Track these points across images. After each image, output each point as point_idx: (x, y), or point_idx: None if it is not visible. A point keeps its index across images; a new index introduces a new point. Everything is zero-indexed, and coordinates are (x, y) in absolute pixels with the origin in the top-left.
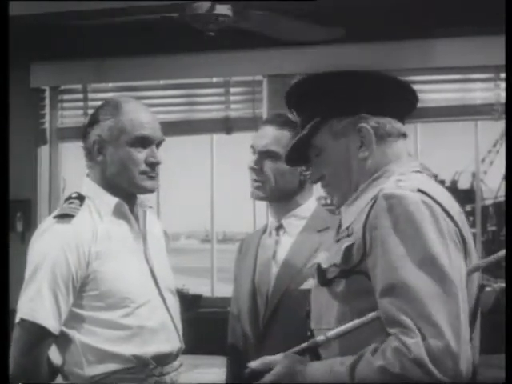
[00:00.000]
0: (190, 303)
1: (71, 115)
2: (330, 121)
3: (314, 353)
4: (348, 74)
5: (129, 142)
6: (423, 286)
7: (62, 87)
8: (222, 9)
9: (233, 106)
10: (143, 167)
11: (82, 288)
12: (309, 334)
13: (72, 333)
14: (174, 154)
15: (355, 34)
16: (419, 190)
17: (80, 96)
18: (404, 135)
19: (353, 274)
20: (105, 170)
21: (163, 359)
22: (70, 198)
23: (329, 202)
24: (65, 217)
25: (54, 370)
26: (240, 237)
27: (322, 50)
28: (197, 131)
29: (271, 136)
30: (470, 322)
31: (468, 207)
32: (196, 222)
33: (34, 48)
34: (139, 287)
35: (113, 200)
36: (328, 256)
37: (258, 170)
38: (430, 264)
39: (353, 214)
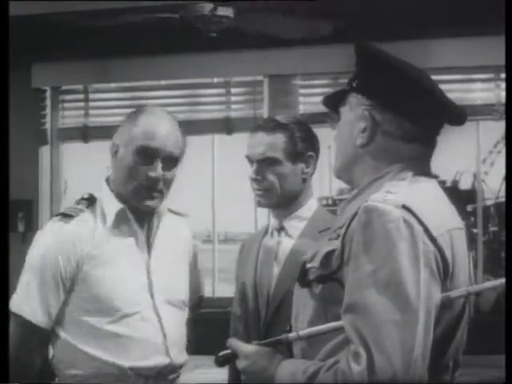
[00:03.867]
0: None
1: (72, 115)
2: (357, 93)
3: (287, 347)
4: (412, 70)
5: (135, 151)
6: (382, 310)
7: (63, 87)
8: (224, 10)
9: (234, 106)
10: (143, 181)
11: (72, 287)
12: (288, 328)
13: (58, 329)
14: None
15: (355, 34)
16: (404, 207)
17: (81, 96)
18: (423, 142)
19: (329, 280)
20: (115, 174)
21: (144, 372)
22: (81, 198)
23: (330, 202)
24: (65, 217)
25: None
26: (241, 237)
27: (322, 49)
28: (198, 132)
29: (265, 142)
30: (447, 342)
31: (469, 208)
32: (197, 223)
33: (35, 48)
34: (129, 297)
35: (117, 206)
36: (314, 255)
37: (260, 179)
38: (394, 290)
39: (347, 214)
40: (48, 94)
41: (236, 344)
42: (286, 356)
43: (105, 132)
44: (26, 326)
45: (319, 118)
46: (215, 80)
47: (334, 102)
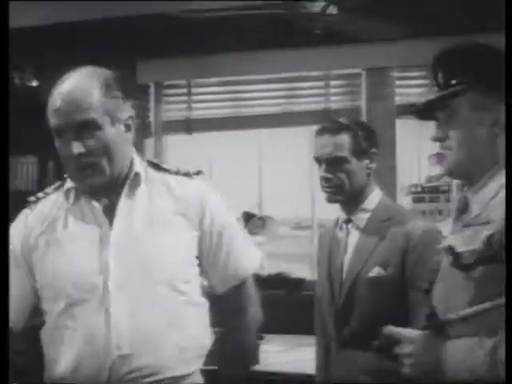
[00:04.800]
0: (292, 287)
1: (175, 109)
2: (473, 91)
3: (439, 329)
4: None
5: (53, 137)
6: None
7: (166, 83)
8: (331, 9)
9: (333, 98)
10: (68, 163)
11: (31, 273)
12: (428, 311)
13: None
14: (273, 145)
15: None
16: None
17: (184, 91)
18: None
19: (492, 261)
20: None
21: (83, 371)
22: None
23: (419, 189)
24: (32, 202)
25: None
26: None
27: (416, 43)
28: (297, 123)
29: (332, 143)
30: None
31: None
32: (288, 210)
33: (140, 46)
34: (76, 281)
35: (69, 184)
36: (460, 240)
37: (330, 177)
38: None
39: (481, 201)
40: (152, 89)
41: (396, 330)
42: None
43: (208, 124)
44: None
45: (416, 109)
46: (314, 73)
47: (431, 108)
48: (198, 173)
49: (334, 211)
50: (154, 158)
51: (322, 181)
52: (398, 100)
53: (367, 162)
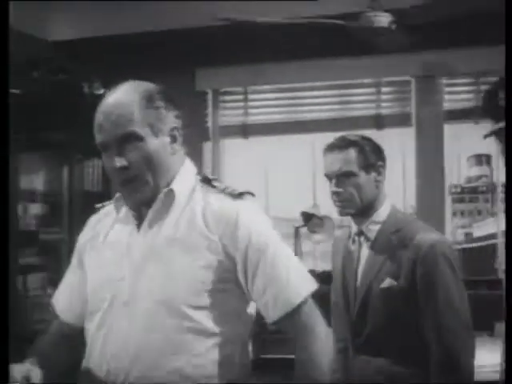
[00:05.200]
0: (320, 280)
1: (232, 114)
2: None
3: None
4: None
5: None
6: None
7: (223, 89)
8: (393, 24)
9: (383, 104)
10: (112, 177)
11: (82, 276)
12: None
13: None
14: None
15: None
16: None
17: (240, 97)
18: None
19: None
20: None
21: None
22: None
23: (459, 190)
24: (99, 207)
25: None
26: None
27: (464, 51)
28: (350, 128)
29: (341, 159)
30: None
31: None
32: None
33: (198, 55)
34: (98, 291)
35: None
36: None
37: (341, 192)
38: None
39: None
40: (209, 95)
41: None
42: None
43: (263, 129)
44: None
45: (463, 115)
46: (366, 80)
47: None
48: (246, 194)
49: None
50: (211, 160)
51: (332, 196)
52: (447, 106)
53: (375, 174)
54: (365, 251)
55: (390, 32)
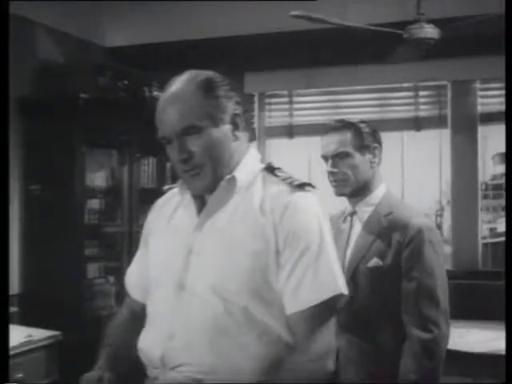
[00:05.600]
0: None
1: (278, 116)
2: None
3: None
4: None
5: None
6: None
7: (269, 92)
8: (435, 34)
9: (421, 106)
10: (176, 166)
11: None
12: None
13: None
14: None
15: None
16: None
17: (285, 100)
18: None
19: None
20: None
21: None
22: None
23: (483, 187)
24: (165, 190)
25: None
26: None
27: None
28: (390, 129)
29: (336, 140)
30: None
31: None
32: None
33: (247, 60)
34: (159, 273)
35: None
36: None
37: (336, 172)
38: None
39: None
40: (256, 98)
41: None
42: None
43: (308, 129)
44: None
45: (496, 117)
46: (405, 85)
47: None
48: (307, 186)
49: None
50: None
51: (328, 176)
52: (480, 109)
53: (370, 156)
54: (356, 231)
55: (434, 42)
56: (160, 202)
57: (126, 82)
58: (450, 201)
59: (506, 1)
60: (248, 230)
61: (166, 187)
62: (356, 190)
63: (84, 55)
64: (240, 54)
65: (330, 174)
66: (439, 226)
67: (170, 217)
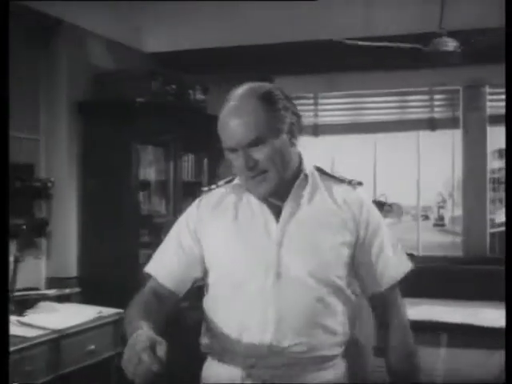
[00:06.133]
0: None
1: (304, 116)
2: None
3: None
4: None
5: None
6: None
7: (295, 94)
8: (457, 48)
9: (436, 109)
10: (239, 173)
11: (200, 250)
12: None
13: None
14: (386, 147)
15: None
16: None
17: (311, 101)
18: None
19: None
20: None
21: (246, 340)
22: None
23: None
24: (205, 191)
25: None
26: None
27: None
28: (406, 129)
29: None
30: None
31: None
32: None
33: (277, 65)
34: (244, 266)
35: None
36: None
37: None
38: None
39: None
40: None
41: None
42: None
43: (332, 129)
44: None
45: (504, 119)
46: (421, 89)
47: None
48: (360, 184)
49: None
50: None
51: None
52: (489, 111)
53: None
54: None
55: (454, 54)
56: (210, 201)
57: (173, 86)
58: (451, 194)
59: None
60: (330, 223)
61: (205, 189)
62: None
63: (129, 61)
64: (271, 60)
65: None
66: (441, 217)
67: (233, 216)
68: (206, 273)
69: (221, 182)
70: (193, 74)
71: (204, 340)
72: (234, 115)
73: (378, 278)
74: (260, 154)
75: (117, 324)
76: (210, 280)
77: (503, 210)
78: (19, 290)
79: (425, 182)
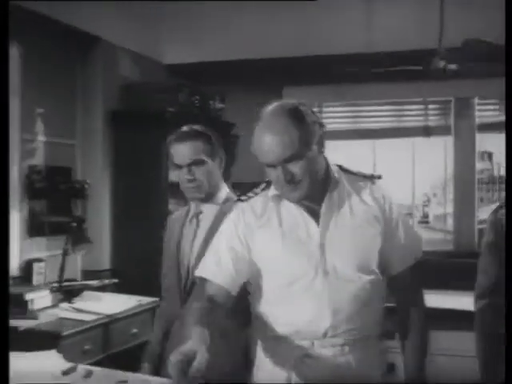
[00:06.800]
0: None
1: None
2: None
3: None
4: None
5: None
6: None
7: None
8: (454, 67)
9: (430, 117)
10: (275, 183)
11: (250, 254)
12: None
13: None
14: (384, 152)
15: None
16: None
17: (316, 110)
18: None
19: None
20: None
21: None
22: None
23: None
24: (244, 199)
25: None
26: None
27: (492, 80)
28: (403, 136)
29: (191, 149)
30: None
31: None
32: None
33: (286, 77)
34: (295, 266)
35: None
36: None
37: (192, 179)
38: None
39: None
40: None
41: None
42: None
43: (334, 135)
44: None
45: (491, 127)
46: (417, 99)
47: None
48: (379, 177)
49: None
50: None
51: (184, 183)
52: (478, 121)
53: (219, 161)
54: (203, 229)
55: (449, 72)
56: (254, 209)
57: (197, 97)
58: (435, 194)
59: (506, 1)
60: (362, 220)
61: (244, 197)
62: (208, 194)
63: (151, 72)
64: (280, 71)
65: (187, 180)
66: (426, 215)
67: (278, 224)
68: (253, 276)
69: (257, 190)
70: (207, 85)
71: (255, 338)
72: (268, 134)
73: (399, 261)
74: (296, 168)
75: (154, 311)
76: (262, 282)
77: (486, 208)
78: (61, 281)
79: (419, 183)
